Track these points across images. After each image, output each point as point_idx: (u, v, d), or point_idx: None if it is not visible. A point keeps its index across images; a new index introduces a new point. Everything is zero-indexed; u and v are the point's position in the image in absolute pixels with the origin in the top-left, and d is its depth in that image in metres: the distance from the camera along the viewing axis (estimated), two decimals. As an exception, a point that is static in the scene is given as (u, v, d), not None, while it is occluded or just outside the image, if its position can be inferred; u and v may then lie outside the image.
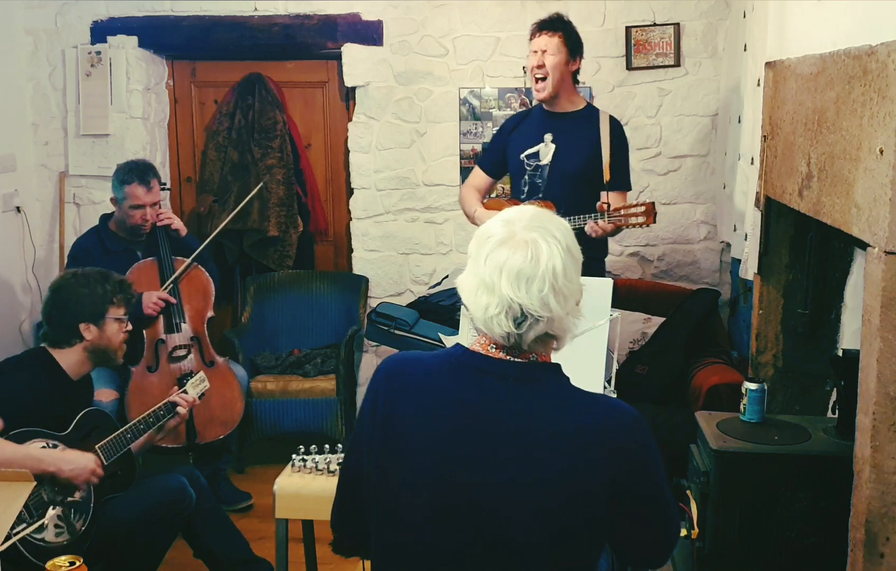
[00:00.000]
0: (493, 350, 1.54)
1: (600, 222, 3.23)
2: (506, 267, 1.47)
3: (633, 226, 3.27)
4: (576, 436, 1.48)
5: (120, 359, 2.93)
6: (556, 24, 3.39)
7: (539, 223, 1.51)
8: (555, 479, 1.47)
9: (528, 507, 1.47)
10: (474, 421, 1.51)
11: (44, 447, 2.60)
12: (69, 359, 2.79)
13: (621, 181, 3.45)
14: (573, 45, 3.40)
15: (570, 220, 3.26)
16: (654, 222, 3.25)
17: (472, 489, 1.50)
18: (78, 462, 2.59)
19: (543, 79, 3.37)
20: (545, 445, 1.48)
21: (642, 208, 3.21)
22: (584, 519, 1.48)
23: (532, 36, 3.44)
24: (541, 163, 3.46)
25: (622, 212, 3.24)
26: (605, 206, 3.24)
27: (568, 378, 1.56)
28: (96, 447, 2.70)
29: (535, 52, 3.41)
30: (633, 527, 1.56)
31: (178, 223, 3.82)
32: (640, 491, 1.52)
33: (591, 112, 3.48)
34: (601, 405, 1.53)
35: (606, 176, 3.37)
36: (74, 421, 2.71)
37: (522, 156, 3.50)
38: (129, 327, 2.93)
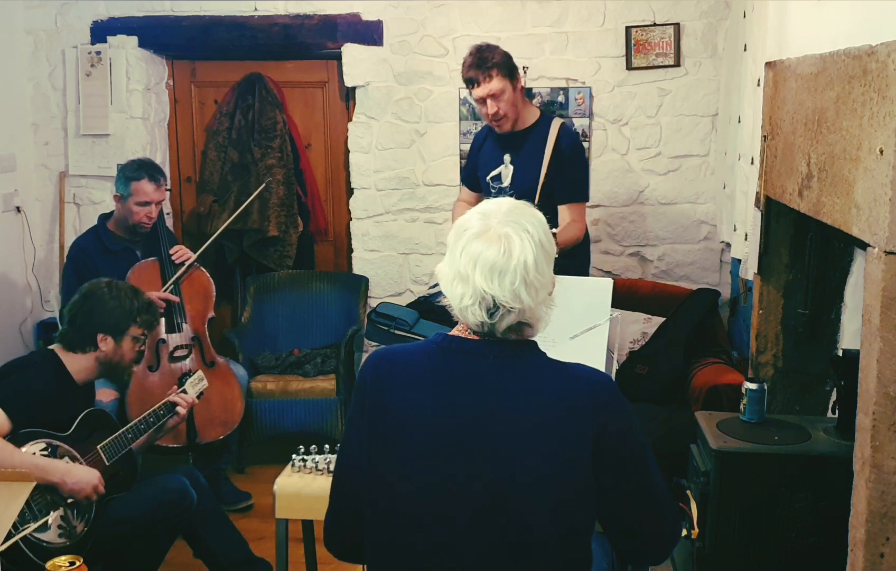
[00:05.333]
0: (472, 334, 1.61)
1: None
2: (480, 260, 1.53)
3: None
4: (557, 401, 1.55)
5: (127, 378, 2.98)
6: (486, 64, 3.25)
7: (514, 218, 1.57)
8: (542, 442, 1.53)
9: (524, 477, 1.52)
10: (459, 401, 1.57)
11: (44, 449, 2.60)
12: (78, 364, 2.80)
13: (569, 194, 3.32)
14: (510, 70, 3.30)
15: None
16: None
17: (463, 467, 1.54)
18: (82, 478, 2.59)
19: (502, 117, 3.31)
20: (529, 413, 1.55)
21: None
22: (572, 474, 1.53)
23: (470, 87, 3.31)
24: (503, 185, 3.42)
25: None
26: None
27: (544, 353, 1.62)
28: (98, 447, 2.71)
29: (483, 101, 3.29)
30: (623, 497, 1.59)
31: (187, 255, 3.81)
32: (622, 444, 1.57)
33: (544, 123, 3.39)
34: (577, 370, 1.61)
35: (536, 197, 3.26)
36: (76, 422, 2.72)
37: (488, 178, 3.47)
38: (143, 348, 2.95)
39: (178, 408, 2.95)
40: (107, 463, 2.72)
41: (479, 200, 3.59)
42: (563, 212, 3.28)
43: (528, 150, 3.37)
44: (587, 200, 3.44)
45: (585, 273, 3.52)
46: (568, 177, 3.34)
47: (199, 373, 3.15)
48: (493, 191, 3.45)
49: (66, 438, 2.67)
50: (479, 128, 4.37)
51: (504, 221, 1.56)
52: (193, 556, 3.00)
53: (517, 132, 3.40)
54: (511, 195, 3.31)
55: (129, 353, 2.88)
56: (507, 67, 3.29)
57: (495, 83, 3.25)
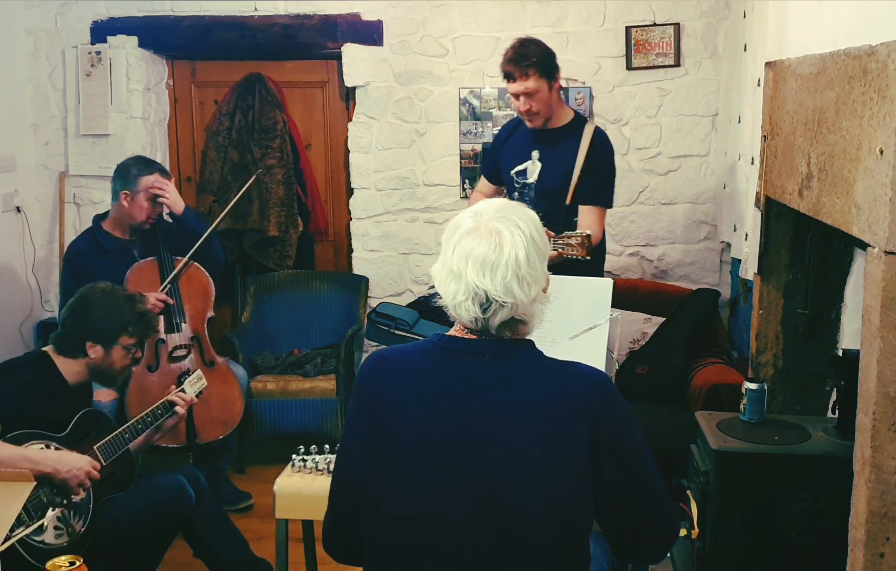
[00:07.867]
0: (469, 333, 1.61)
1: None
2: (471, 256, 1.54)
3: (571, 256, 2.99)
4: (554, 399, 1.55)
5: (119, 383, 2.96)
6: (526, 63, 3.23)
7: (505, 214, 1.58)
8: (539, 441, 1.53)
9: (522, 476, 1.52)
10: (457, 401, 1.57)
11: (42, 448, 2.60)
12: (69, 368, 2.79)
13: (594, 197, 3.30)
14: (549, 70, 3.27)
15: None
16: (588, 255, 2.98)
17: (461, 467, 1.54)
18: (74, 463, 2.58)
19: (535, 114, 3.29)
20: (526, 412, 1.55)
21: (578, 239, 2.98)
22: (570, 472, 1.53)
23: (506, 80, 3.29)
24: (528, 181, 3.40)
25: (563, 241, 3.01)
26: (552, 233, 2.97)
27: (541, 352, 1.62)
28: (95, 447, 2.71)
29: (516, 97, 3.28)
30: (620, 494, 1.59)
31: (173, 198, 3.70)
32: (618, 441, 1.56)
33: (577, 125, 3.38)
34: (573, 368, 1.61)
35: (568, 198, 3.27)
36: (72, 422, 2.71)
37: (512, 172, 3.45)
38: (139, 354, 2.93)
39: (177, 408, 2.95)
40: (104, 463, 2.71)
41: (496, 193, 3.58)
42: (585, 213, 3.26)
43: (558, 149, 3.35)
44: (610, 206, 3.40)
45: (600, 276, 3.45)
46: (597, 180, 3.32)
47: (199, 372, 3.14)
48: (516, 186, 3.42)
49: (62, 439, 2.67)
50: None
51: (495, 217, 1.57)
52: (193, 556, 3.00)
53: (549, 130, 3.37)
54: (536, 192, 3.32)
55: (119, 361, 2.84)
56: (546, 67, 3.27)
57: (531, 82, 3.23)
